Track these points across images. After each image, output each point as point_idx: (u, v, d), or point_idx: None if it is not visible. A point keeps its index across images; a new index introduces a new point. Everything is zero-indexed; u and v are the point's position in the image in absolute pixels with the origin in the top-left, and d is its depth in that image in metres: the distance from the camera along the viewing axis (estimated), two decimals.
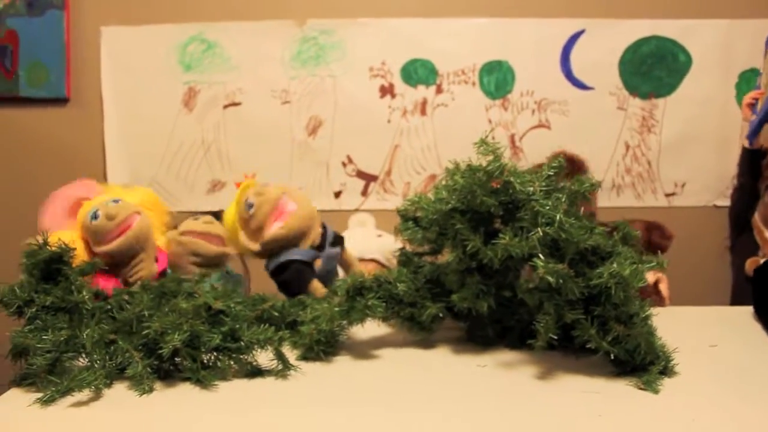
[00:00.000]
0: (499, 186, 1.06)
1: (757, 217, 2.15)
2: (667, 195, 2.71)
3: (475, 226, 1.08)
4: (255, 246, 1.47)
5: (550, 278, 0.95)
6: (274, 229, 1.44)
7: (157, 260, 1.55)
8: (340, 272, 1.65)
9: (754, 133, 2.13)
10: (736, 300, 2.27)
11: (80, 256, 1.46)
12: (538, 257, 0.97)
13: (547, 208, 0.99)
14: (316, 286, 1.44)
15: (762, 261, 2.01)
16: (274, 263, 1.46)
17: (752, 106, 2.16)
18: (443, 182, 1.13)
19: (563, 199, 1.01)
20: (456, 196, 1.08)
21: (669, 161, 2.69)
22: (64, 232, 1.53)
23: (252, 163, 2.60)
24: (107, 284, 1.43)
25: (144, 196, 1.64)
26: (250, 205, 1.46)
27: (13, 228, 2.23)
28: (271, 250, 1.47)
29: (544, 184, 1.04)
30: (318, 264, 1.47)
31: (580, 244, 0.98)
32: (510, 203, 1.07)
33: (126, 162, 2.65)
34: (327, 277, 1.50)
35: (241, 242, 1.49)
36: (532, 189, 1.03)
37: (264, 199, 1.45)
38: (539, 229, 0.98)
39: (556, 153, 2.08)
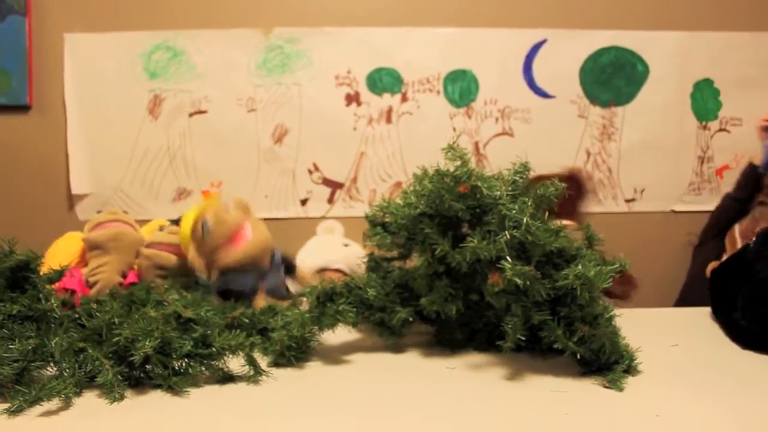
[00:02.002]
0: (466, 191, 1.08)
1: (737, 228, 2.21)
2: (627, 201, 2.77)
3: (443, 230, 1.10)
4: (200, 266, 1.42)
5: (517, 280, 0.97)
6: (229, 255, 1.39)
7: (125, 277, 1.55)
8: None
9: None
10: (685, 291, 2.34)
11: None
12: (506, 260, 0.99)
13: (514, 211, 1.01)
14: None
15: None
16: (219, 285, 1.43)
17: (766, 129, 2.19)
18: (411, 187, 1.14)
19: (529, 203, 1.03)
20: (424, 201, 1.10)
21: (628, 168, 2.75)
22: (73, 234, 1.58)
23: (218, 171, 2.60)
24: (70, 280, 1.43)
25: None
26: (205, 225, 1.40)
27: None
28: (217, 271, 1.43)
29: (510, 188, 1.07)
30: (262, 288, 1.46)
31: (546, 246, 1.01)
32: (477, 208, 1.09)
33: (90, 170, 2.60)
34: (270, 292, 1.49)
35: (189, 256, 1.44)
36: (499, 193, 1.05)
37: (220, 226, 1.40)
38: (506, 232, 1.00)
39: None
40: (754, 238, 1.37)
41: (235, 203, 1.48)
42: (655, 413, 0.89)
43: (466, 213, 1.08)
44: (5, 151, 2.59)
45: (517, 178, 1.10)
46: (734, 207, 2.28)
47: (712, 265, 2.19)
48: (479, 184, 1.06)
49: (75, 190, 2.59)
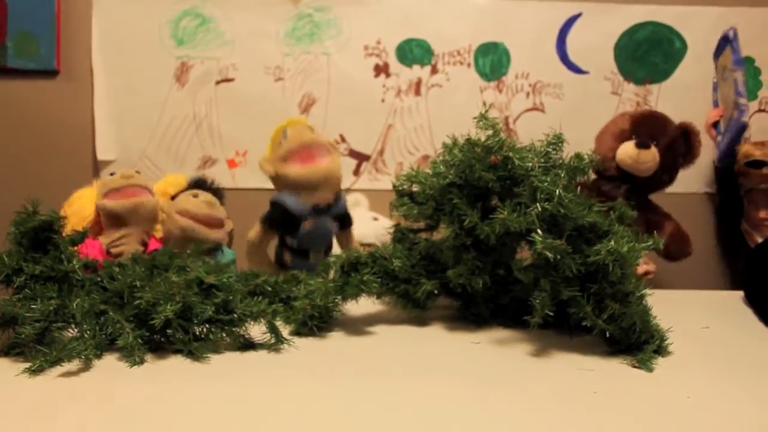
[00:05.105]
0: (497, 162, 1.05)
1: (745, 225, 2.17)
2: None
3: (472, 201, 1.07)
4: (268, 171, 1.49)
5: (548, 254, 0.94)
6: (291, 168, 1.46)
7: (146, 246, 1.54)
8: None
9: (725, 155, 2.13)
10: None
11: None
12: (536, 232, 0.96)
13: (546, 183, 0.98)
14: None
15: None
16: (272, 198, 1.50)
17: (715, 125, 2.16)
18: (441, 157, 1.12)
19: (562, 175, 1.00)
20: (454, 171, 1.07)
21: None
22: (85, 190, 1.56)
23: (244, 140, 2.57)
24: (91, 249, 1.42)
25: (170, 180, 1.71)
26: (285, 134, 1.49)
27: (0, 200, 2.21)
28: (280, 184, 1.50)
29: (542, 160, 1.04)
30: (307, 225, 1.48)
31: (578, 220, 0.98)
32: (508, 179, 1.06)
33: (116, 137, 2.60)
34: (308, 241, 1.52)
35: (260, 161, 1.52)
36: (530, 165, 1.02)
37: (297, 137, 1.48)
38: (538, 204, 0.97)
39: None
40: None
41: (328, 140, 1.55)
42: (685, 395, 0.86)
43: (496, 184, 1.05)
44: (32, 115, 2.60)
45: (550, 150, 1.07)
46: (728, 207, 2.29)
47: None
48: (511, 154, 1.03)
49: (101, 156, 2.59)
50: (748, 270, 1.41)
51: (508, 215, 0.99)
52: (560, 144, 1.08)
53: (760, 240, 2.13)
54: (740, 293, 1.40)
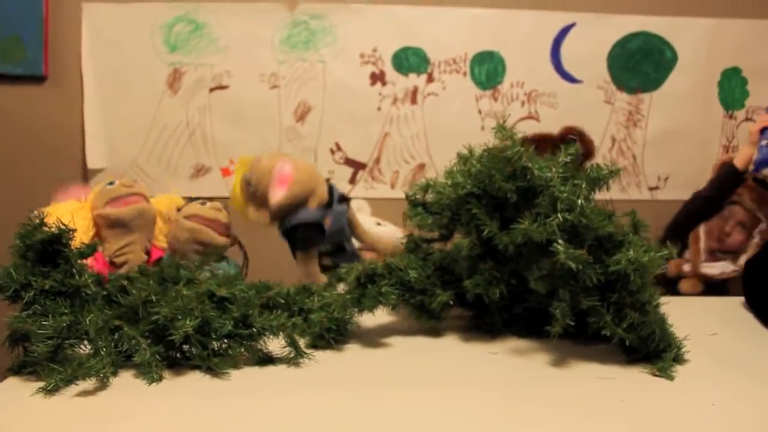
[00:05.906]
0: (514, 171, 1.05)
1: (701, 226, 2.18)
2: (651, 189, 2.73)
3: (490, 211, 1.06)
4: (265, 218, 1.47)
5: (571, 263, 0.94)
6: (277, 198, 1.43)
7: (149, 254, 1.53)
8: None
9: (765, 163, 2.07)
10: None
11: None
12: (559, 243, 0.96)
13: (566, 194, 0.98)
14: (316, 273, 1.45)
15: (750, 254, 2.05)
16: (283, 227, 1.48)
17: (763, 131, 2.11)
18: (456, 167, 1.11)
19: (583, 185, 1.00)
20: (472, 181, 1.07)
21: (653, 155, 2.72)
22: (64, 204, 1.52)
23: (238, 148, 2.54)
24: (95, 262, 1.40)
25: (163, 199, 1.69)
26: (249, 183, 1.47)
27: None
28: (281, 216, 1.47)
29: (561, 170, 1.03)
30: (327, 222, 1.47)
31: (599, 230, 0.98)
32: (526, 190, 1.05)
33: (106, 145, 2.56)
34: (337, 235, 1.51)
35: (251, 217, 1.49)
36: (550, 175, 1.02)
37: (260, 172, 1.46)
38: (559, 214, 0.97)
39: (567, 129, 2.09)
40: None
41: (273, 152, 1.58)
42: (710, 402, 0.87)
43: (514, 194, 1.05)
44: (19, 122, 2.55)
45: (568, 160, 1.06)
46: (708, 206, 2.24)
47: (675, 263, 2.16)
48: (530, 165, 1.03)
49: (90, 164, 2.55)
50: (748, 276, 1.43)
51: (529, 225, 0.98)
52: (577, 154, 1.07)
53: (702, 246, 2.16)
54: (740, 299, 1.42)
